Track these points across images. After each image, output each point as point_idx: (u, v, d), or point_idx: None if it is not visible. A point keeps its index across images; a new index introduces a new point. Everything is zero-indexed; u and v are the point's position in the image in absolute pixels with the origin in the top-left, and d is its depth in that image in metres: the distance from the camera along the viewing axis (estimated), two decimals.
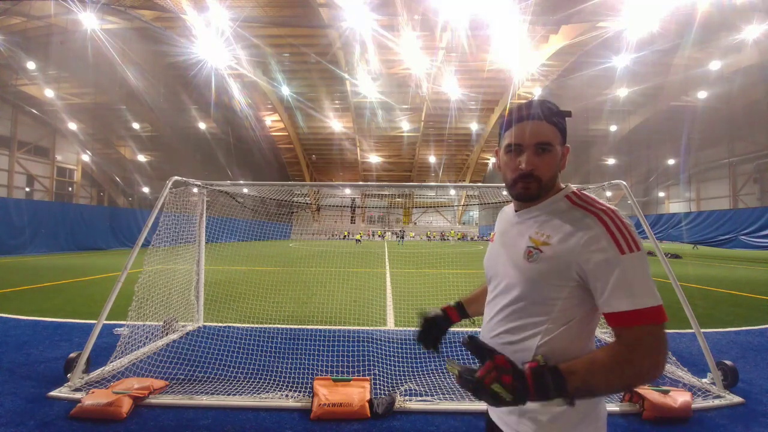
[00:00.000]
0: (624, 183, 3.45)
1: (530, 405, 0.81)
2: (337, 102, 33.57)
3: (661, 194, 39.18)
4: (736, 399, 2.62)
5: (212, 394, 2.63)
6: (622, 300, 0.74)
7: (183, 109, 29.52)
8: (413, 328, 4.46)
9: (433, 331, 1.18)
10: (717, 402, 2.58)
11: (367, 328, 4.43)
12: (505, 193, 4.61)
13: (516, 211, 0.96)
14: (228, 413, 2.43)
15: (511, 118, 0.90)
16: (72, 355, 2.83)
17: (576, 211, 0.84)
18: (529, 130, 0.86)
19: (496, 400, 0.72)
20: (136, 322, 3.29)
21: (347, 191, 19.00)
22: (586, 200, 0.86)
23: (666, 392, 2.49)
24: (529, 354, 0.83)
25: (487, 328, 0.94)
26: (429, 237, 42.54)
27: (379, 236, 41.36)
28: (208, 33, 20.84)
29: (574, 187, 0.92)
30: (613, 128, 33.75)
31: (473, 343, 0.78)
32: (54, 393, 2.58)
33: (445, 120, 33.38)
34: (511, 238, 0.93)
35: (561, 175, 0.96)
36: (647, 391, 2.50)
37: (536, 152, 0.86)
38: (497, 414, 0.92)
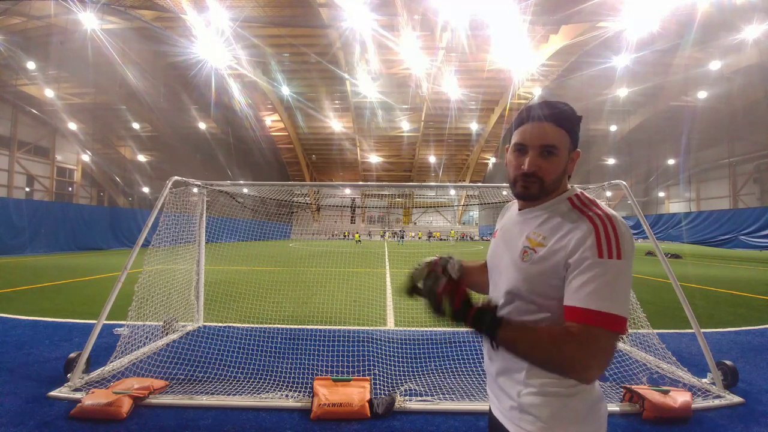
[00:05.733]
0: (624, 183, 3.45)
1: (530, 400, 0.84)
2: (337, 102, 33.57)
3: (661, 194, 39.20)
4: (736, 399, 2.62)
5: (212, 394, 2.63)
6: (583, 298, 0.75)
7: (183, 109, 29.53)
8: (413, 329, 4.46)
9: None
10: (717, 402, 2.58)
11: (367, 328, 4.43)
12: (505, 192, 4.61)
13: (519, 209, 0.98)
14: (228, 413, 2.43)
15: (522, 117, 0.90)
16: (72, 355, 2.83)
17: (574, 213, 0.85)
18: (536, 132, 0.87)
19: (438, 311, 0.83)
20: (136, 322, 3.28)
21: (347, 191, 19.01)
22: (587, 204, 0.87)
23: (666, 392, 2.49)
24: None
25: None
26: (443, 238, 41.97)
27: (380, 236, 41.36)
28: (208, 33, 20.83)
29: (579, 189, 0.93)
30: (613, 128, 33.76)
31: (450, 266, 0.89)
32: (54, 393, 2.58)
33: (445, 120, 33.38)
34: (512, 237, 0.95)
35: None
36: (647, 391, 2.50)
37: (541, 154, 0.87)
38: (500, 410, 0.93)
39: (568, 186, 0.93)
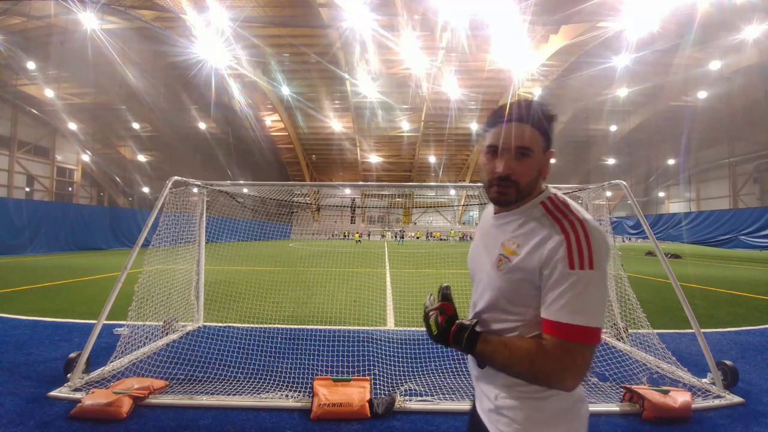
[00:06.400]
0: (624, 183, 3.45)
1: (506, 402, 0.85)
2: (337, 102, 33.59)
3: (661, 194, 39.22)
4: (736, 399, 2.62)
5: (212, 394, 2.63)
6: (556, 311, 0.75)
7: (183, 109, 29.54)
8: (413, 329, 4.46)
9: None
10: (717, 402, 2.58)
11: (367, 328, 4.43)
12: None
13: (495, 213, 0.96)
14: (228, 413, 2.43)
15: (494, 117, 0.88)
16: (72, 355, 2.83)
17: (547, 219, 0.83)
18: (509, 133, 0.84)
19: (428, 330, 0.90)
20: (136, 322, 3.28)
21: (347, 191, 19.01)
22: (560, 208, 0.84)
23: (666, 392, 2.49)
24: None
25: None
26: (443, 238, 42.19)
27: (380, 236, 41.34)
28: (208, 33, 20.85)
29: (553, 190, 0.91)
30: (613, 128, 33.77)
31: (442, 292, 0.94)
32: (54, 393, 2.58)
33: (445, 120, 33.39)
34: (489, 241, 0.93)
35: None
36: (647, 391, 2.50)
37: (516, 156, 0.84)
38: (482, 409, 0.94)
39: (543, 187, 0.91)
